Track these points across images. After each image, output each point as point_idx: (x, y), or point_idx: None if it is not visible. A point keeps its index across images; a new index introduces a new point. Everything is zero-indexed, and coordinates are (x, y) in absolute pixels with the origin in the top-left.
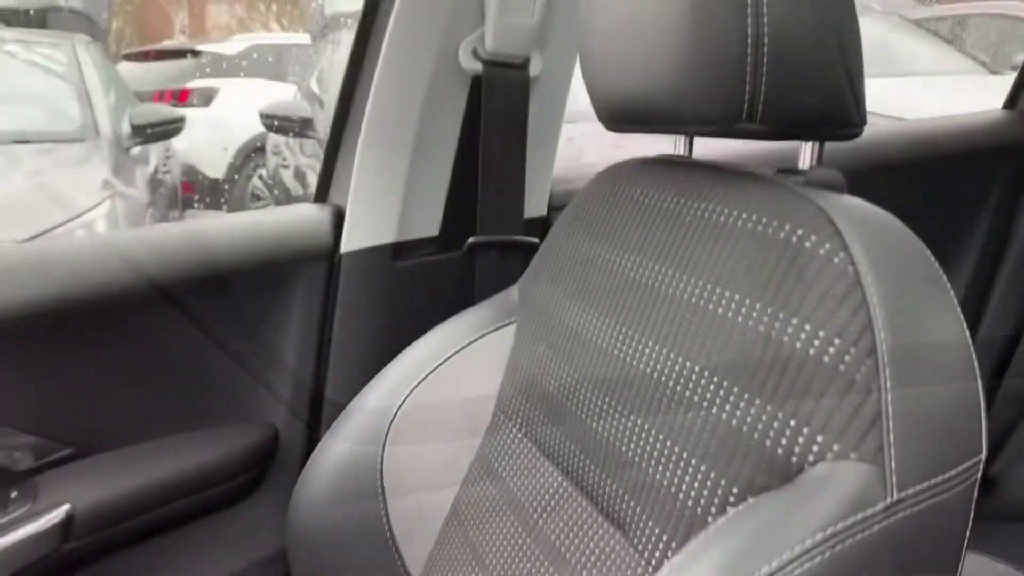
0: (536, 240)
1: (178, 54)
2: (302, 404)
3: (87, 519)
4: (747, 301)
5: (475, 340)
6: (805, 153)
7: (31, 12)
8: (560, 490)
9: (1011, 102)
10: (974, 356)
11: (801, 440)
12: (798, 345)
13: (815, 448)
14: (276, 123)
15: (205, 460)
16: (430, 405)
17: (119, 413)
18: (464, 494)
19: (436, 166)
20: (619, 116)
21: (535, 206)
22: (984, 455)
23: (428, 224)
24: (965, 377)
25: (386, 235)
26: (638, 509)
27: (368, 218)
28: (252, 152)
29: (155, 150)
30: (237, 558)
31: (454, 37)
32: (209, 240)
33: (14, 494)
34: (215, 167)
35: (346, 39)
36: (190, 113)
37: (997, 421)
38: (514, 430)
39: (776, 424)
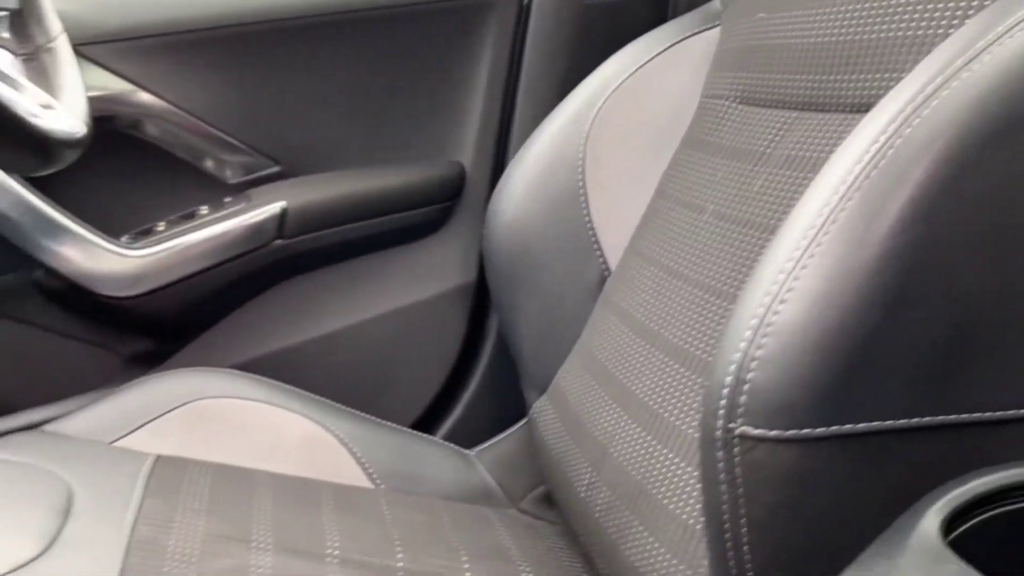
0: None
1: None
2: (490, 142)
3: (297, 219)
4: None
5: (677, 43)
6: None
7: None
8: (787, 120)
9: None
10: None
11: None
12: None
13: None
14: None
15: (397, 187)
16: (632, 104)
17: (320, 138)
18: (672, 170)
19: None
20: None
21: None
22: None
23: None
24: None
25: None
26: (889, 76)
27: None
28: None
29: None
30: (426, 287)
31: None
32: None
33: (228, 199)
34: None
35: None
36: None
37: None
38: (726, 103)
39: None
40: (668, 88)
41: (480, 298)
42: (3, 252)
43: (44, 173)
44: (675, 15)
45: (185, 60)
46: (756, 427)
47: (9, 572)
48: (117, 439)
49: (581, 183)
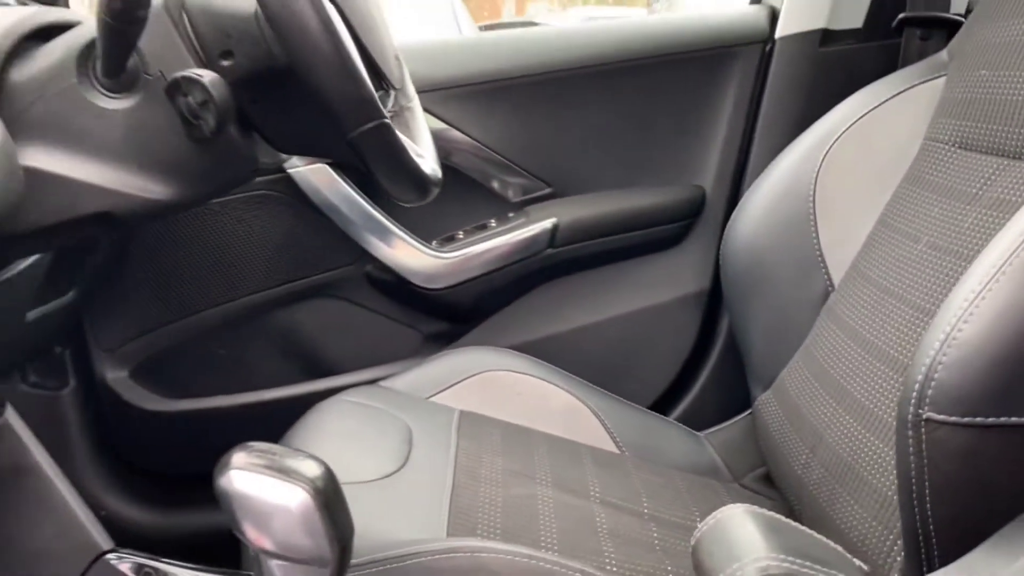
0: (963, 19)
1: (517, 26)
2: (728, 170)
3: (566, 232)
4: None
5: (905, 90)
6: None
7: None
8: (999, 166)
9: None
10: None
11: None
12: None
13: None
14: None
15: (647, 206)
16: (861, 143)
17: (585, 165)
18: (894, 202)
19: None
20: None
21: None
22: None
23: (854, 16)
24: None
25: (816, 23)
26: None
27: (801, 9)
28: None
29: None
30: (666, 292)
31: None
32: (664, 32)
33: (511, 214)
34: None
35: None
36: None
37: None
38: (946, 147)
39: None
40: (895, 130)
41: (712, 304)
42: (347, 249)
43: (415, 205)
44: (904, 64)
45: (484, 104)
46: (939, 413)
47: (384, 477)
48: (431, 395)
49: (811, 210)
